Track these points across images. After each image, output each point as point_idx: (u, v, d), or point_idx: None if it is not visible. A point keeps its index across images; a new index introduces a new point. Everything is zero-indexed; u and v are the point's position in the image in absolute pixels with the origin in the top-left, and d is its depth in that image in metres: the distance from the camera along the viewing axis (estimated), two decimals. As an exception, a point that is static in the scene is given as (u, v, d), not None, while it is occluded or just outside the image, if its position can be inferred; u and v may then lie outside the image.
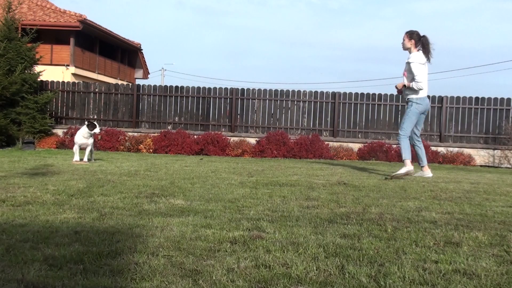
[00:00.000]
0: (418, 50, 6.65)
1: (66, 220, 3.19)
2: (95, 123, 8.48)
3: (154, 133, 13.88)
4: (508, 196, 4.80)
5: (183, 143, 12.92)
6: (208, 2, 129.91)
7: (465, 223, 3.32)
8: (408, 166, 6.53)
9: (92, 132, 8.30)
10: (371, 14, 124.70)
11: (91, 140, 8.42)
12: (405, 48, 6.74)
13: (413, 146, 6.90)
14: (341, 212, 3.65)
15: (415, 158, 6.93)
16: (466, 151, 13.20)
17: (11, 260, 2.28)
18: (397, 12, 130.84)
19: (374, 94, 14.05)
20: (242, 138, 13.74)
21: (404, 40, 6.70)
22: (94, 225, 3.03)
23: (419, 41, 6.64)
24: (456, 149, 13.22)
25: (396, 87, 6.86)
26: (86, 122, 8.47)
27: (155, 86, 14.77)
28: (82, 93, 14.77)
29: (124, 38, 26.91)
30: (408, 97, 6.75)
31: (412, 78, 6.59)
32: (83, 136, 8.33)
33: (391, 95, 13.92)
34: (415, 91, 6.64)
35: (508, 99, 13.64)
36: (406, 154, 6.61)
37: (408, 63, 6.62)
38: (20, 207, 3.61)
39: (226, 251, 2.48)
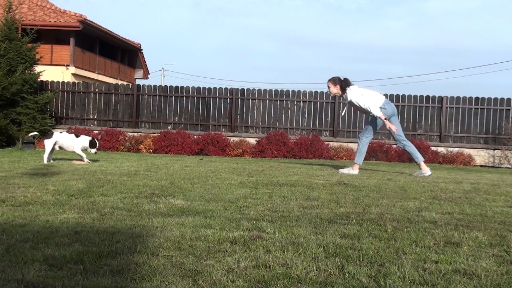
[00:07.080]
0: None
1: (66, 220, 3.19)
2: (96, 141, 8.52)
3: (154, 133, 13.88)
4: (508, 196, 4.80)
5: (183, 143, 12.92)
6: (220, 2, 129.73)
7: (465, 223, 3.32)
8: None
9: (91, 150, 8.35)
10: (381, 14, 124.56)
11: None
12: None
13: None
14: (341, 212, 3.65)
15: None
16: (466, 151, 13.19)
17: (11, 260, 2.28)
18: (408, 12, 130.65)
19: (374, 94, 14.03)
20: (242, 138, 13.74)
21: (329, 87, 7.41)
22: (94, 225, 3.03)
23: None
24: (456, 149, 13.22)
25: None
26: (90, 139, 8.40)
27: (155, 86, 14.77)
28: (82, 93, 14.78)
29: (124, 38, 26.91)
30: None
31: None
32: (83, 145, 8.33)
33: (391, 95, 13.91)
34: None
35: (508, 99, 13.64)
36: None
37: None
38: (20, 207, 3.61)
39: (226, 251, 2.48)
